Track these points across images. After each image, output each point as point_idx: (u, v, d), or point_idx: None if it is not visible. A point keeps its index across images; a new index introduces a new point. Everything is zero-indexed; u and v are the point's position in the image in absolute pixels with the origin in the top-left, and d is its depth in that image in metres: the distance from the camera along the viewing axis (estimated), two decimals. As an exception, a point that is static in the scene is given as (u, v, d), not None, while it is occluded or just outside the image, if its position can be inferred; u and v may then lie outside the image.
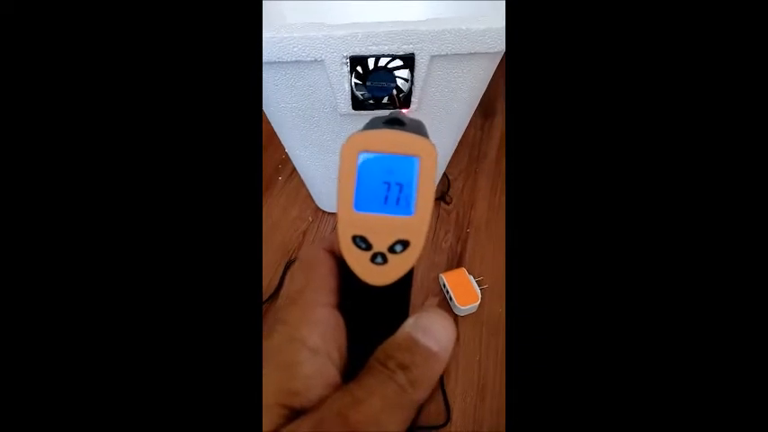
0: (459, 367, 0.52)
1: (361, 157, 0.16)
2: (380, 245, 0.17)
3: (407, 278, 0.17)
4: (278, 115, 0.48)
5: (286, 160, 0.72)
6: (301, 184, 0.66)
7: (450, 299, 0.56)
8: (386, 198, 0.17)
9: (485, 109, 0.87)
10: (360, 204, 0.17)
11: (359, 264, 0.17)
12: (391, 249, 0.17)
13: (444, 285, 0.58)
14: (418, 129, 0.18)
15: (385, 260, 0.17)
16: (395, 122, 0.17)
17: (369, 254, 0.17)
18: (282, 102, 0.46)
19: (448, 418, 0.48)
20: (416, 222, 0.17)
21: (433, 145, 0.17)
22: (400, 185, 0.16)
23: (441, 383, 0.50)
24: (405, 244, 0.17)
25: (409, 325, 0.17)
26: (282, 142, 0.55)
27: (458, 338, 0.54)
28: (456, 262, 0.62)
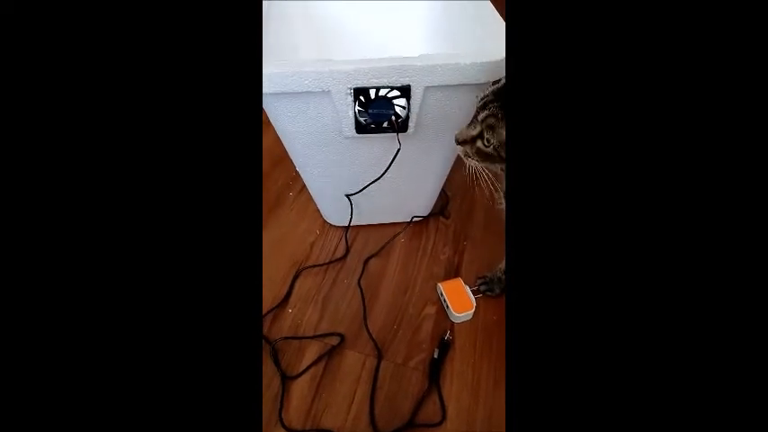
0: (454, 370, 0.56)
1: None
2: None
3: None
4: (290, 138, 0.54)
5: (296, 177, 0.78)
6: (310, 199, 0.71)
7: (447, 306, 0.60)
8: None
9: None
10: None
11: None
12: None
13: (441, 294, 0.62)
14: None
15: None
16: None
17: None
18: (294, 127, 0.51)
19: (443, 417, 0.52)
20: None
21: None
22: None
23: (437, 385, 0.54)
24: None
25: None
26: (294, 162, 0.61)
27: (453, 343, 0.58)
28: (453, 272, 0.67)
